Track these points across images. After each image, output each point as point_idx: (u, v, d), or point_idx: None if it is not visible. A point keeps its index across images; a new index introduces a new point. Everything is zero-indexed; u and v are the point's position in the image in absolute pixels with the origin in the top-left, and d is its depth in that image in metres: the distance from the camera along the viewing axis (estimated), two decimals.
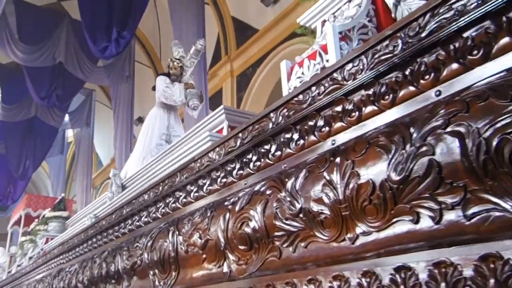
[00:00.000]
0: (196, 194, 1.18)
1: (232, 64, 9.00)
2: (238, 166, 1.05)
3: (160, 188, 1.36)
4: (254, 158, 1.00)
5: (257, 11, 8.44)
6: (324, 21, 1.19)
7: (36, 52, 9.79)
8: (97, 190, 13.31)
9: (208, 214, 1.04)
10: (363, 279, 0.63)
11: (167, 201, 1.32)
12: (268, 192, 0.87)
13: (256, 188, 0.91)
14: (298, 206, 0.79)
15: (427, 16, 0.65)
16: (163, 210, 1.33)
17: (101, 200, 2.48)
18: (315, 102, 0.85)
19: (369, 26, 1.05)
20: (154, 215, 1.37)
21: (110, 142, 11.83)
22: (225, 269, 0.97)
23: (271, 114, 0.96)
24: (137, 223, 1.46)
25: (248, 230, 0.89)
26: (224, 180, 1.09)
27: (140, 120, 11.99)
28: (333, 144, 0.80)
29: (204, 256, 1.04)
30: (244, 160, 1.03)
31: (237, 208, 0.95)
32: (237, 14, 8.95)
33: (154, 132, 3.13)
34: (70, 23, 10.27)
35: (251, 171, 1.00)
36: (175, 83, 3.22)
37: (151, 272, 1.25)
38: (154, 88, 3.34)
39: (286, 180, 0.84)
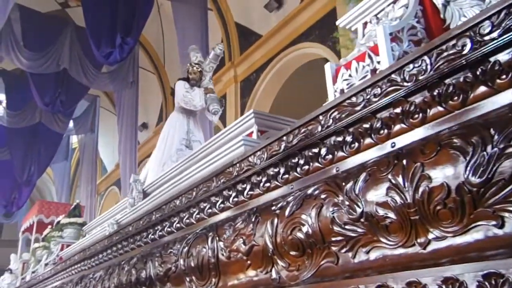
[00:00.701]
0: (236, 199, 1.16)
1: (235, 70, 8.99)
2: (282, 170, 1.03)
3: (194, 194, 1.34)
4: (301, 162, 0.98)
5: (260, 16, 8.44)
6: (366, 23, 1.18)
7: (41, 58, 9.80)
8: (102, 196, 13.26)
9: (253, 220, 1.02)
10: (444, 287, 0.61)
11: (202, 206, 1.30)
12: (322, 196, 0.85)
13: (309, 192, 0.90)
14: (358, 210, 0.77)
15: (502, 14, 0.64)
16: (198, 216, 1.31)
17: (121, 205, 2.46)
18: (371, 104, 0.83)
19: (417, 27, 1.04)
20: (187, 220, 1.35)
21: (114, 148, 11.81)
22: (274, 275, 0.95)
23: (320, 117, 0.94)
24: (168, 229, 1.44)
25: (300, 235, 0.87)
26: (267, 184, 1.07)
27: (144, 126, 11.99)
28: (393, 146, 0.78)
29: (248, 262, 1.02)
30: (290, 164, 1.01)
31: (286, 212, 0.93)
32: (241, 20, 8.96)
33: (174, 137, 3.10)
34: (74, 29, 10.29)
35: (298, 175, 0.99)
36: (194, 87, 3.21)
37: (188, 279, 1.23)
38: (173, 93, 3.32)
39: (343, 184, 0.82)
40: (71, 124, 11.98)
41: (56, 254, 4.13)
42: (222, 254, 1.09)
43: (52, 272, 2.48)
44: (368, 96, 0.84)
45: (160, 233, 1.47)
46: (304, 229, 0.87)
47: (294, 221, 0.90)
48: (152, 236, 1.51)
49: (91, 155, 11.62)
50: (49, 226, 5.79)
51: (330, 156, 0.92)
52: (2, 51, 9.45)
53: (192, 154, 1.85)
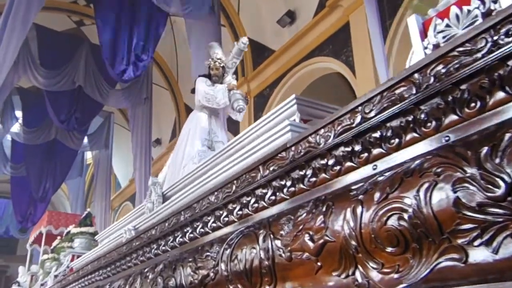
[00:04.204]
0: (292, 188, 0.94)
1: (249, 85, 8.88)
2: (358, 148, 0.81)
3: (234, 187, 1.12)
4: (388, 134, 0.76)
5: (273, 32, 8.37)
6: None
7: (56, 76, 9.87)
8: (116, 212, 13.08)
9: (323, 210, 0.80)
10: None
11: (244, 201, 1.08)
12: (437, 170, 0.63)
13: (411, 166, 0.67)
14: (503, 185, 0.54)
15: None
16: (240, 213, 1.09)
17: (138, 211, 2.24)
18: (500, 48, 0.61)
19: None
20: (226, 219, 1.13)
21: (128, 164, 11.68)
22: (360, 279, 0.72)
23: (416, 75, 0.73)
24: (201, 230, 1.22)
25: (403, 223, 0.65)
26: (337, 167, 0.85)
27: (158, 141, 11.89)
28: None
29: (319, 263, 0.79)
30: (369, 139, 0.80)
31: (376, 197, 0.70)
32: (254, 35, 8.88)
33: (195, 138, 2.85)
34: (89, 47, 10.37)
35: (383, 151, 0.76)
36: (216, 84, 2.98)
37: (231, 287, 1.00)
38: (193, 91, 3.10)
39: (468, 152, 0.60)
40: (85, 140, 11.94)
41: (67, 265, 3.91)
42: (280, 255, 0.87)
43: (63, 284, 2.26)
44: (495, 38, 0.63)
45: (191, 235, 1.25)
46: (407, 215, 0.64)
47: (391, 206, 0.67)
48: (181, 239, 1.29)
49: (105, 171, 11.50)
50: (58, 237, 5.56)
51: (433, 124, 0.70)
52: (20, 70, 9.52)
53: (218, 152, 1.63)
